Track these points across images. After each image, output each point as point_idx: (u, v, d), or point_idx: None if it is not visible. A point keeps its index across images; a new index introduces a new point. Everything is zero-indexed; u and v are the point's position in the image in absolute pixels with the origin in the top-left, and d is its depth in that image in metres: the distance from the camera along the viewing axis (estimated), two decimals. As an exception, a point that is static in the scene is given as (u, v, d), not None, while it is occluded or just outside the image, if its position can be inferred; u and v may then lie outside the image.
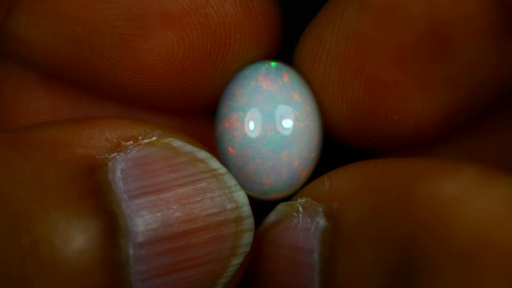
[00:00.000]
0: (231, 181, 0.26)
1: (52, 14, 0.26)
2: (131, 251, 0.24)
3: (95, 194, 0.24)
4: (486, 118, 0.28)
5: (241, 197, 0.26)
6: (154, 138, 0.26)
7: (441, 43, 0.25)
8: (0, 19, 0.27)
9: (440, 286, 0.21)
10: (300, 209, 0.26)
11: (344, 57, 0.26)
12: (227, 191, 0.26)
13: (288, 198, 0.27)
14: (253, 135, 0.27)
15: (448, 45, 0.25)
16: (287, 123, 0.27)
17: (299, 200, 0.26)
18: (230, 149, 0.27)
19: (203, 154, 0.26)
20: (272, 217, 0.27)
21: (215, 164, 0.26)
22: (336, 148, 0.29)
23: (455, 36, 0.25)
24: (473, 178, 0.22)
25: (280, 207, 0.27)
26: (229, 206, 0.25)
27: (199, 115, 0.30)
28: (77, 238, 0.23)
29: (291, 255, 0.26)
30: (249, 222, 0.26)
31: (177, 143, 0.26)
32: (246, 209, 0.26)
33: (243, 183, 0.27)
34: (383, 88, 0.26)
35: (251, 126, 0.27)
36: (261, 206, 0.28)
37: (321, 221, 0.25)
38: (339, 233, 0.24)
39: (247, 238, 0.26)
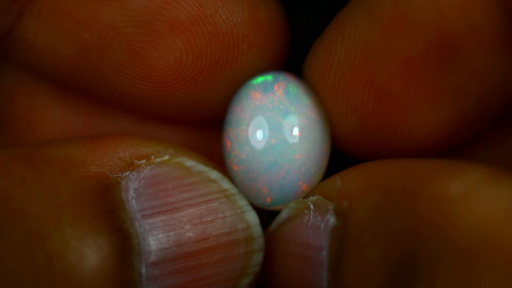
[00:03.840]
0: (242, 202, 0.26)
1: (61, 19, 0.26)
2: (143, 270, 0.24)
3: (108, 212, 0.24)
4: (495, 129, 0.28)
5: (252, 217, 0.26)
6: (166, 157, 0.26)
7: (449, 53, 0.25)
8: (9, 23, 0.27)
9: (439, 282, 0.21)
10: (311, 206, 0.26)
11: (353, 68, 0.26)
12: (238, 211, 0.26)
13: None
14: (256, 149, 0.27)
15: (456, 55, 0.25)
16: (290, 137, 0.27)
17: (310, 198, 0.26)
18: (233, 162, 0.27)
19: (215, 174, 0.26)
20: (284, 214, 0.27)
21: (226, 184, 0.26)
22: (344, 160, 0.30)
23: (463, 46, 0.25)
24: (480, 178, 0.22)
25: (292, 204, 0.27)
26: (240, 226, 0.26)
27: (208, 127, 0.30)
28: (90, 257, 0.23)
29: (301, 252, 0.26)
30: (260, 243, 0.26)
31: (189, 162, 0.26)
32: (257, 230, 0.26)
33: (246, 195, 0.27)
34: (392, 99, 0.26)
35: (253, 139, 0.27)
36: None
37: (331, 219, 0.25)
38: (347, 231, 0.24)
39: (257, 258, 0.26)
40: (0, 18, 0.27)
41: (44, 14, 0.26)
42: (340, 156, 0.29)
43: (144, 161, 0.25)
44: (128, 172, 0.25)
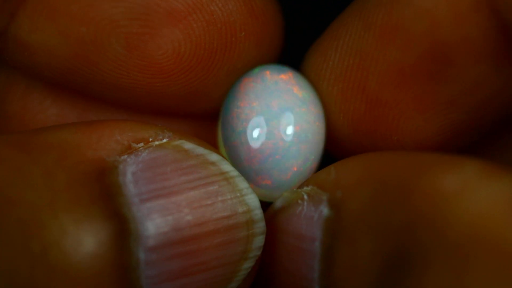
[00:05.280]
0: (242, 184, 0.26)
1: (56, 15, 0.26)
2: (141, 255, 0.24)
3: (105, 197, 0.24)
4: (486, 142, 0.28)
5: (252, 200, 0.26)
6: (164, 140, 0.25)
7: (441, 64, 0.25)
8: (3, 25, 0.27)
9: (430, 277, 0.21)
10: (305, 197, 0.26)
11: (347, 75, 0.26)
12: (238, 194, 0.25)
13: None
14: (253, 140, 0.27)
15: (448, 66, 0.25)
16: (288, 129, 0.27)
17: (305, 188, 0.26)
18: (231, 151, 0.27)
19: (214, 156, 0.25)
20: (278, 203, 0.27)
21: (226, 167, 0.25)
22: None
23: (455, 58, 0.25)
24: (475, 172, 0.22)
25: (286, 194, 0.27)
26: (240, 210, 0.25)
27: (206, 120, 0.30)
28: (87, 243, 0.23)
29: (294, 242, 0.25)
30: (261, 226, 0.26)
31: (188, 145, 0.25)
32: (258, 213, 0.26)
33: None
34: (384, 107, 0.26)
35: (251, 131, 0.27)
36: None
37: (325, 210, 0.25)
38: (340, 222, 0.24)
39: (258, 242, 0.26)
40: None
41: (39, 12, 0.26)
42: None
43: (142, 144, 0.25)
44: (125, 156, 0.25)
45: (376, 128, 0.26)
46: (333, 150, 0.28)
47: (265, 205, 0.27)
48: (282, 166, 0.27)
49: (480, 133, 0.27)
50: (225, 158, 0.27)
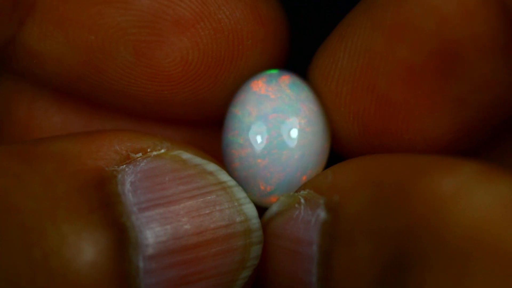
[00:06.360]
0: (240, 194, 0.26)
1: (65, 23, 0.26)
2: (141, 264, 0.24)
3: (105, 206, 0.24)
4: (497, 141, 0.28)
5: (250, 209, 0.26)
6: (162, 151, 0.26)
7: (450, 61, 0.25)
8: (11, 32, 0.27)
9: (429, 281, 0.21)
10: (302, 200, 0.26)
11: (356, 75, 0.26)
12: (236, 204, 0.26)
13: None
14: (256, 144, 0.27)
15: (458, 63, 0.25)
16: (290, 132, 0.27)
17: (301, 192, 0.26)
18: (233, 157, 0.27)
19: (212, 166, 0.26)
20: (274, 207, 0.27)
21: (224, 176, 0.26)
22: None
23: (464, 55, 0.25)
24: (473, 175, 0.22)
25: (283, 198, 0.27)
26: (238, 219, 0.25)
27: (212, 127, 0.30)
28: (87, 251, 0.23)
29: (291, 247, 0.25)
30: (258, 235, 0.26)
31: (186, 155, 0.26)
32: (255, 222, 0.26)
33: (245, 184, 0.27)
34: (394, 106, 0.26)
35: (254, 134, 0.27)
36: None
37: (322, 214, 0.25)
38: (338, 225, 0.24)
39: (256, 251, 0.26)
40: (1, 27, 0.27)
41: (47, 20, 0.26)
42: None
43: (140, 154, 0.25)
44: (124, 166, 0.25)
45: (386, 128, 0.26)
46: (342, 152, 0.28)
47: (262, 210, 0.27)
48: (287, 166, 0.27)
49: (491, 132, 0.27)
50: (225, 158, 0.27)
